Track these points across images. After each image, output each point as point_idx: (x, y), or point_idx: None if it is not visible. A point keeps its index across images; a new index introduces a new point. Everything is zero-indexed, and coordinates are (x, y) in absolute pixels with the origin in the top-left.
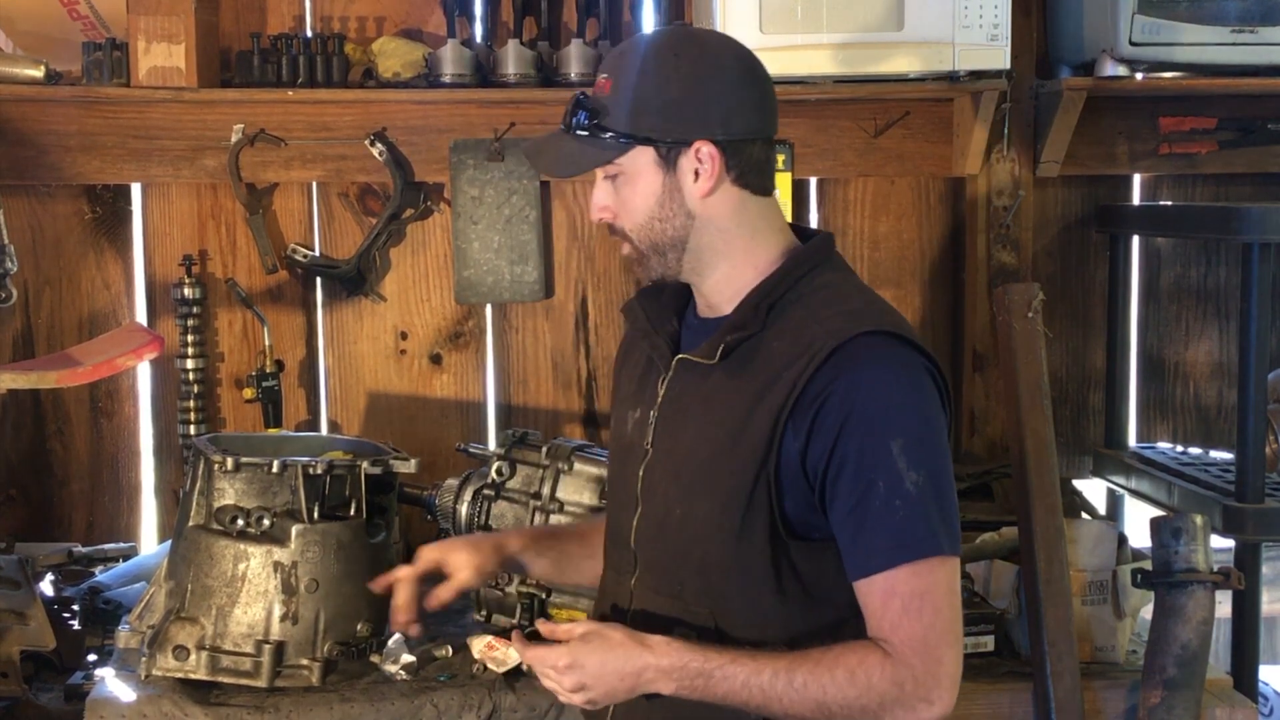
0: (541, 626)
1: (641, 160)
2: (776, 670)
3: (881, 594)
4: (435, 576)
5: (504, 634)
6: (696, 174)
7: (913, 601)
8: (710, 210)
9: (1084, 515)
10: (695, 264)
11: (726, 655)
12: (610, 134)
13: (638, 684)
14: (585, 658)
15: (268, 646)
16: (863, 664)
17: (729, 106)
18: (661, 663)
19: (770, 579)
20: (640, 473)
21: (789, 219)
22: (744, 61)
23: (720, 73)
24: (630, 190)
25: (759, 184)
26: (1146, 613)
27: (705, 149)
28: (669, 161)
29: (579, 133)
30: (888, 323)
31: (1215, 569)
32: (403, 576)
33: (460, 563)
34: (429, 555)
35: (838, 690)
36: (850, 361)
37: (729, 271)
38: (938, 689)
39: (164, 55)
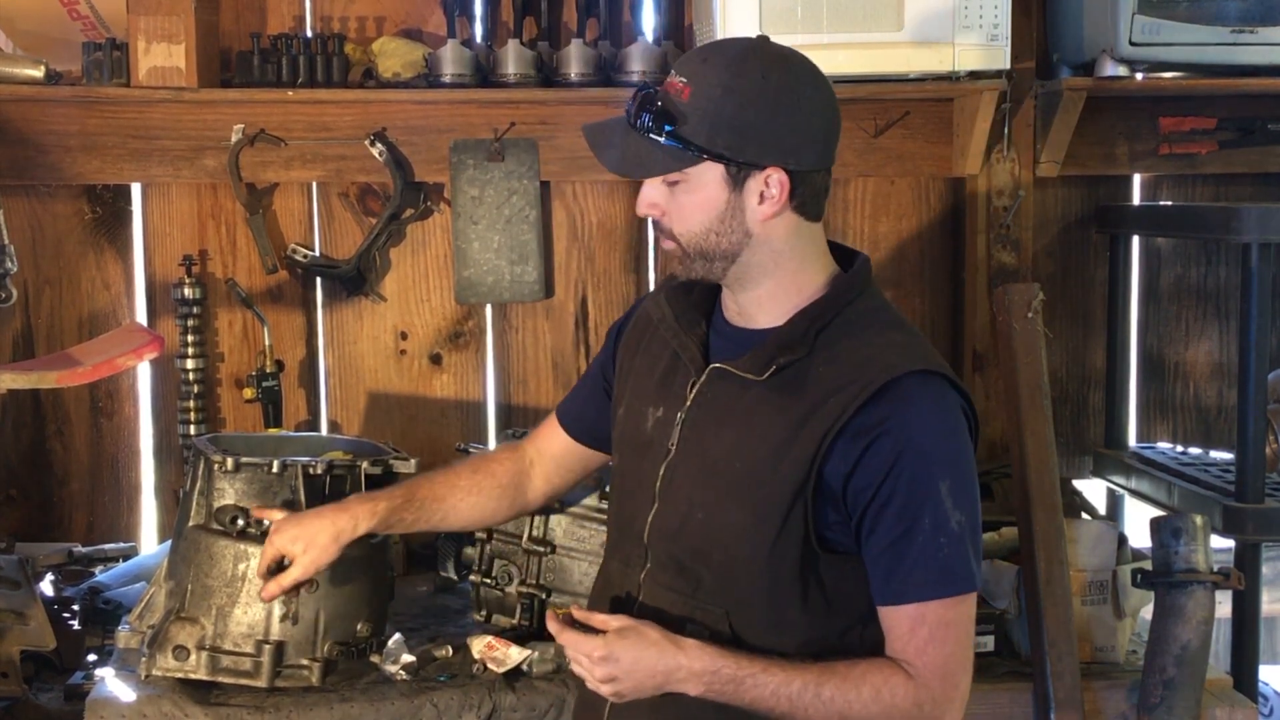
0: (577, 613)
1: (709, 174)
2: (806, 682)
3: (911, 621)
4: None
5: (504, 634)
6: (761, 197)
7: (939, 630)
8: (767, 232)
9: (1084, 515)
10: (740, 276)
11: (758, 664)
12: (684, 144)
13: (667, 683)
14: (621, 652)
15: (268, 647)
16: (887, 683)
17: (804, 137)
18: (694, 665)
19: (796, 588)
20: (661, 471)
21: None
22: (823, 92)
23: (802, 102)
24: (690, 199)
25: (815, 212)
26: (1146, 613)
27: (776, 176)
28: (736, 181)
29: (651, 135)
30: (934, 361)
31: (1215, 569)
32: (259, 573)
33: (295, 555)
34: (270, 551)
35: (862, 707)
36: (903, 399)
37: (772, 289)
38: (951, 711)
39: (164, 55)
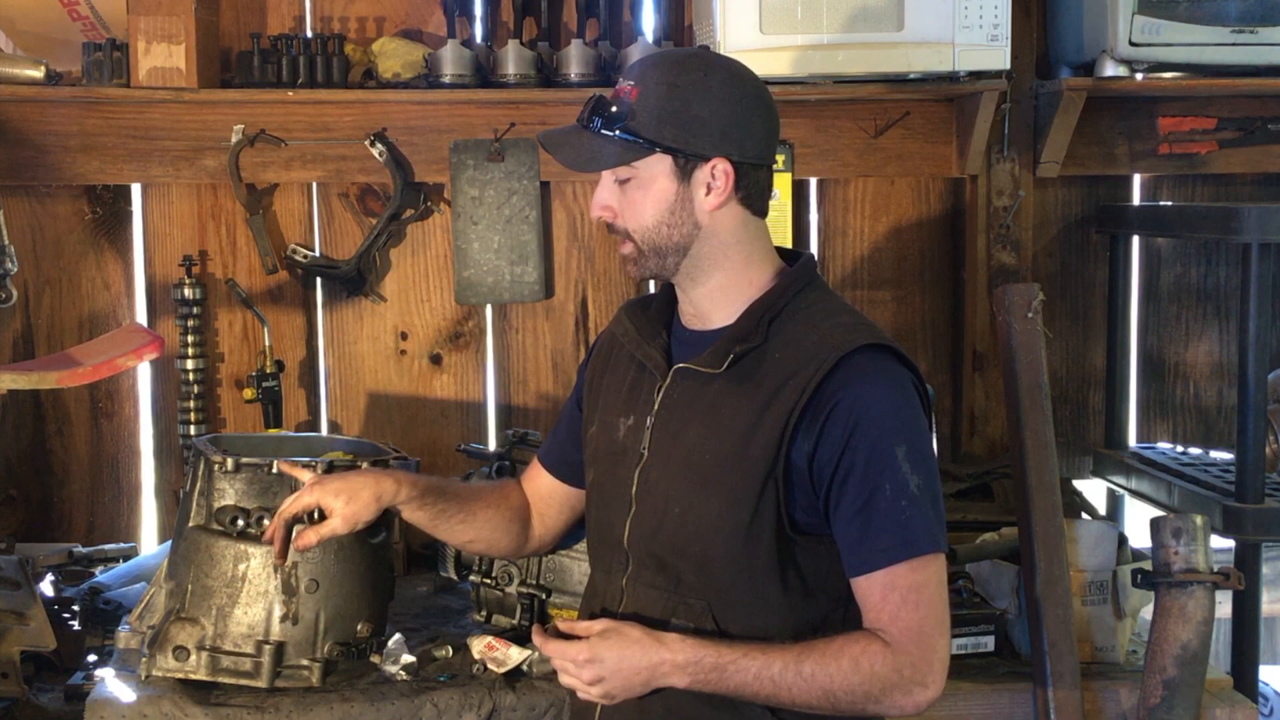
0: (560, 624)
1: (658, 167)
2: (786, 662)
3: (882, 588)
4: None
5: (504, 634)
6: (708, 188)
7: (910, 594)
8: (715, 224)
9: (1084, 515)
10: (691, 270)
11: (739, 650)
12: (634, 138)
13: (653, 678)
14: (605, 652)
15: (268, 647)
16: (865, 653)
17: (747, 131)
18: (677, 658)
19: (774, 572)
20: (636, 476)
21: (789, 219)
22: (761, 93)
23: (743, 99)
24: (642, 194)
25: (759, 207)
26: (1146, 613)
27: (721, 166)
28: (685, 172)
29: (603, 132)
30: (882, 337)
31: (1215, 569)
32: (283, 512)
33: (335, 509)
34: (307, 499)
35: (843, 678)
36: (854, 372)
37: (723, 283)
38: (931, 673)
39: (164, 56)
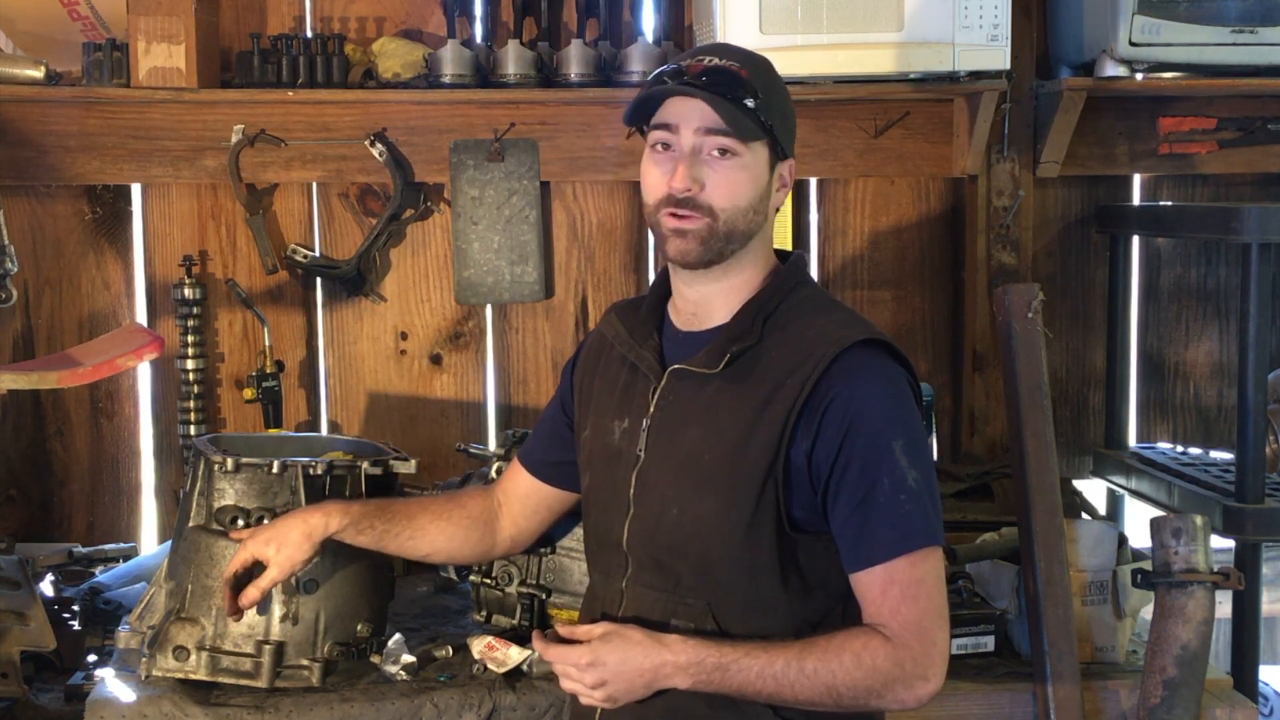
0: (561, 628)
1: (762, 153)
2: (788, 659)
3: (881, 583)
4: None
5: (504, 634)
6: (780, 184)
7: (909, 589)
8: (770, 218)
9: (1084, 515)
10: (736, 260)
11: (740, 649)
12: (760, 117)
13: (655, 680)
14: (606, 655)
15: (268, 647)
16: (866, 648)
17: (795, 136)
18: (679, 659)
19: (775, 571)
20: (633, 478)
21: (789, 219)
22: None
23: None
24: (746, 175)
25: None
26: (1146, 613)
27: (791, 166)
28: (772, 164)
29: (745, 103)
30: (876, 333)
31: (1215, 569)
32: (224, 575)
33: (269, 557)
34: (242, 555)
35: (845, 674)
36: (850, 368)
37: (740, 280)
38: (932, 667)
39: (164, 56)
